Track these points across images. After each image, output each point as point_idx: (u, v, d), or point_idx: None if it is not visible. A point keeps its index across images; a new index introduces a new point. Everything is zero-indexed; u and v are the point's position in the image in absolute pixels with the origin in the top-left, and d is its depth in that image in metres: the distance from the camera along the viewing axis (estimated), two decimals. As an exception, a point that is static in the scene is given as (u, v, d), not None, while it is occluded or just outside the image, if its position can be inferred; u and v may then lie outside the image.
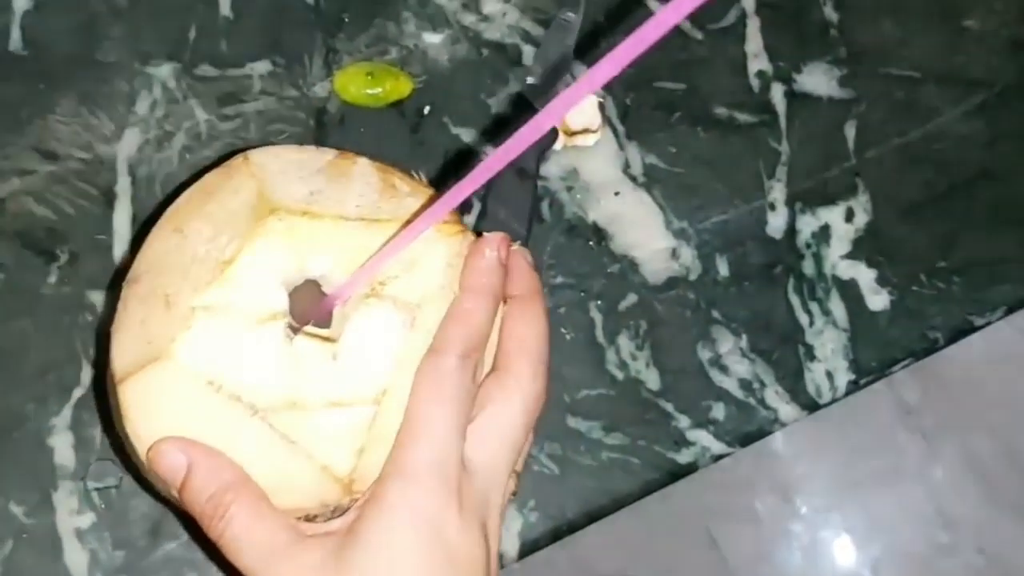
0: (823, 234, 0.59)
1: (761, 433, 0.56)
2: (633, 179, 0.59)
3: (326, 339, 0.39)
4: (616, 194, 0.59)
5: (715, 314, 0.58)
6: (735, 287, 0.58)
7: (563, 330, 0.56)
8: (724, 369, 0.57)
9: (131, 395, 0.39)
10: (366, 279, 0.39)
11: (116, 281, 0.54)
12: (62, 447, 0.52)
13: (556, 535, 0.54)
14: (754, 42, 0.62)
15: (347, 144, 0.47)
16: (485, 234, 0.41)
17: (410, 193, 0.43)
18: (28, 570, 0.51)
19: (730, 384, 0.57)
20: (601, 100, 0.59)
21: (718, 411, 0.56)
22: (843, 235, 0.59)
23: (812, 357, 0.58)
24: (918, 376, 0.57)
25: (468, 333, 0.39)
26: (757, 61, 0.61)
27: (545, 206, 0.58)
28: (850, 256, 0.59)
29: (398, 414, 0.39)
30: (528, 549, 0.53)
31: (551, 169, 0.58)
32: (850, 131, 0.61)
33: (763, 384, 0.57)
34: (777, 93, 0.61)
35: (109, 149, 0.56)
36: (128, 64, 0.57)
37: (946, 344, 0.58)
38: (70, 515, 0.52)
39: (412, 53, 0.59)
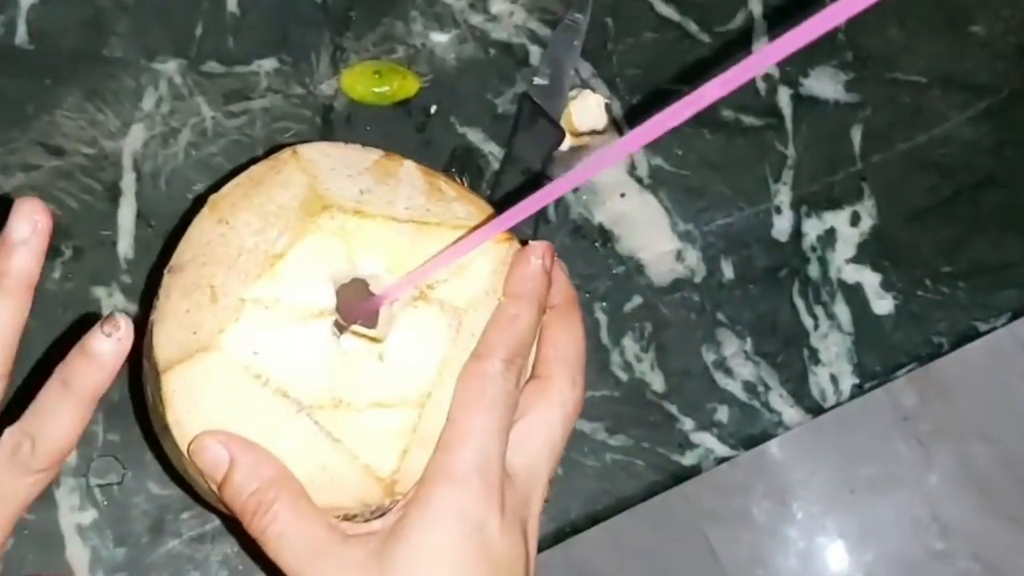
0: (828, 238, 0.59)
1: (765, 436, 0.56)
2: (639, 181, 0.59)
3: (372, 339, 0.39)
4: (622, 196, 0.59)
5: (720, 316, 0.57)
6: (740, 290, 0.58)
7: (568, 331, 0.56)
8: (729, 372, 0.57)
9: (175, 385, 0.39)
10: (416, 282, 0.39)
11: (111, 279, 0.54)
12: (64, 443, 0.52)
13: (559, 537, 0.54)
14: (761, 45, 0.62)
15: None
16: (531, 242, 0.41)
17: (456, 198, 0.43)
18: (29, 566, 0.50)
19: (734, 387, 0.57)
20: (608, 101, 0.59)
21: (722, 414, 0.56)
22: (848, 239, 0.59)
23: (817, 361, 0.58)
24: (915, 383, 0.57)
25: (512, 339, 0.39)
26: (764, 64, 0.61)
27: (551, 207, 0.58)
28: (855, 260, 0.59)
29: (441, 417, 0.39)
30: (531, 550, 0.53)
31: (557, 170, 0.58)
32: (856, 135, 0.61)
33: (767, 387, 0.57)
34: (784, 96, 0.61)
35: (114, 145, 0.56)
36: (134, 60, 0.57)
37: (951, 349, 0.58)
38: (72, 511, 0.51)
39: (419, 52, 0.59)
